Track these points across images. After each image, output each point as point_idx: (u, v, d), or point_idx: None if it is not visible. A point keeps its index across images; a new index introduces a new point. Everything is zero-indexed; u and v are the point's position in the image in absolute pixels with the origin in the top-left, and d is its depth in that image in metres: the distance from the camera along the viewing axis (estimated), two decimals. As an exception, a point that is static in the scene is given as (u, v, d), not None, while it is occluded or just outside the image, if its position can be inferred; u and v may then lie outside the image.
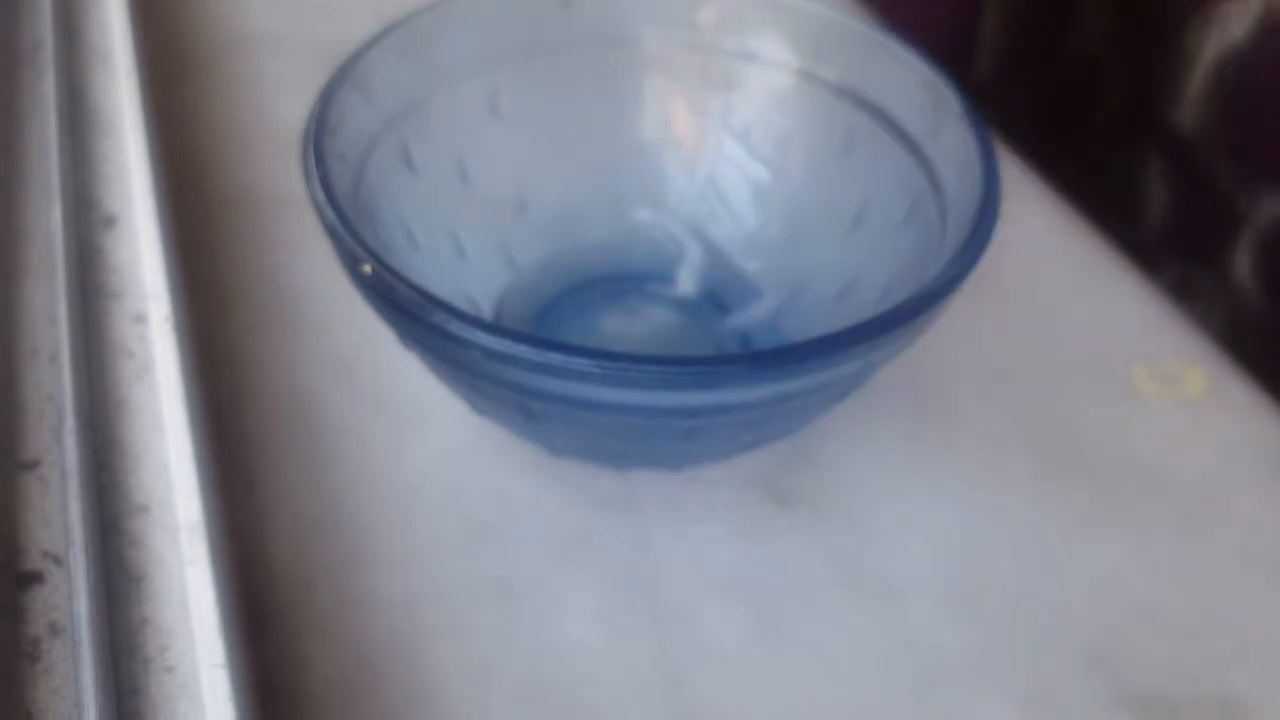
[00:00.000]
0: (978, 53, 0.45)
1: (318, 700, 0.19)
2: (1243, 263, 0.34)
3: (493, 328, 0.17)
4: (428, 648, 0.19)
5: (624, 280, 0.25)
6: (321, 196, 0.18)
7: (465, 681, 0.19)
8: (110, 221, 0.26)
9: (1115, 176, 0.38)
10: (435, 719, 0.18)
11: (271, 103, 0.32)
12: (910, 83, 0.22)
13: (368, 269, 0.17)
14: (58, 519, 0.20)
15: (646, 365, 0.16)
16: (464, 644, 0.19)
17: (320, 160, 0.19)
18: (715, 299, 0.25)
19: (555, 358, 0.16)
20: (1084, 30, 0.41)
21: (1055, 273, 0.28)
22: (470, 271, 0.23)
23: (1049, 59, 0.42)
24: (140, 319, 0.24)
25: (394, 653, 0.19)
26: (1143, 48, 0.38)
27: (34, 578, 0.19)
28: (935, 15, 0.44)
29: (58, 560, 0.19)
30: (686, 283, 0.25)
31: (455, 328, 0.16)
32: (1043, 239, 0.29)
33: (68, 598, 0.19)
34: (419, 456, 0.23)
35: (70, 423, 0.21)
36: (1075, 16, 0.42)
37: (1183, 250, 0.32)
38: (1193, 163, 0.35)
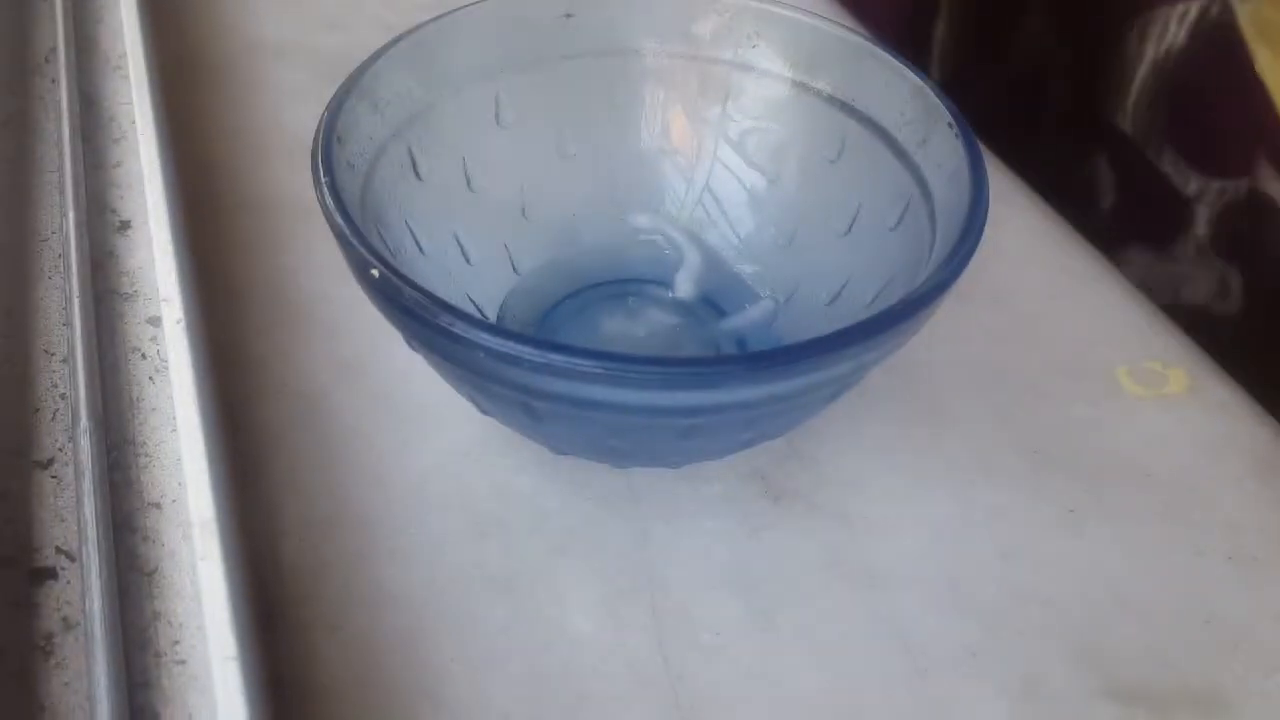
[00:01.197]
0: (929, 58, 0.46)
1: (327, 692, 0.19)
2: (1189, 249, 0.35)
3: (497, 330, 0.17)
4: (434, 640, 0.20)
5: (624, 284, 0.25)
6: (331, 203, 0.19)
7: (470, 674, 0.19)
8: (124, 226, 0.27)
9: (1066, 169, 0.39)
10: (441, 710, 0.19)
11: (282, 111, 0.32)
12: (901, 92, 0.22)
13: (376, 273, 0.18)
14: (71, 515, 0.20)
15: (646, 366, 0.16)
16: (469, 637, 0.20)
17: (329, 167, 0.19)
18: (712, 302, 0.25)
19: (558, 359, 0.16)
20: (1029, 32, 0.42)
21: (1042, 276, 0.28)
22: (474, 275, 0.24)
23: (997, 60, 0.43)
24: (154, 321, 0.24)
25: (401, 645, 0.20)
26: (1085, 52, 0.39)
27: (47, 573, 0.20)
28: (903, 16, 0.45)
29: (71, 556, 0.20)
30: (684, 286, 0.25)
31: (460, 330, 0.17)
32: (1029, 243, 0.29)
33: (80, 593, 0.19)
34: (425, 455, 0.23)
35: (84, 422, 0.21)
36: (1021, 18, 0.43)
37: (1136, 240, 0.33)
38: (1137, 160, 0.36)
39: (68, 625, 0.19)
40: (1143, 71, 0.36)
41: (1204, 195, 0.35)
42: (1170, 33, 0.34)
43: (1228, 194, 0.34)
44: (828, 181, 0.24)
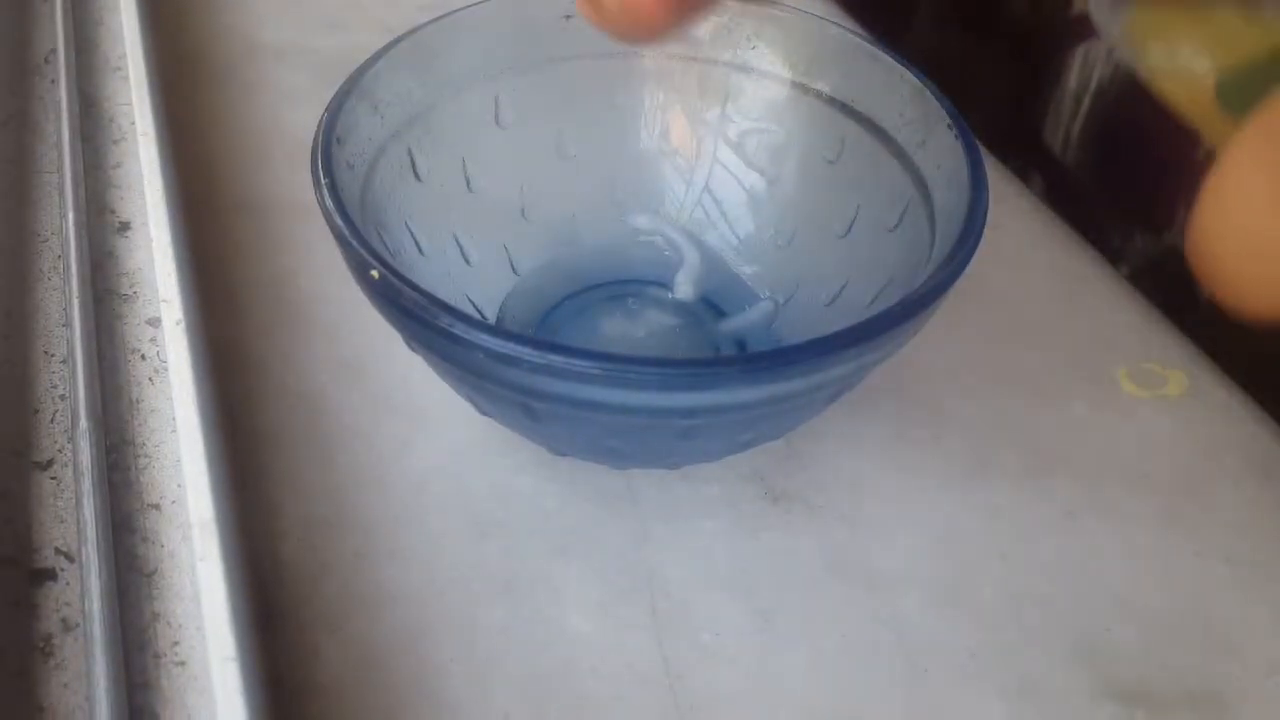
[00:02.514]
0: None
1: (326, 692, 0.19)
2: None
3: (496, 331, 0.17)
4: (433, 640, 0.20)
5: (623, 285, 0.26)
6: (330, 204, 0.19)
7: (470, 673, 0.19)
8: (124, 227, 0.27)
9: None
10: (441, 710, 0.19)
11: (282, 112, 0.32)
12: (900, 93, 0.22)
13: (375, 274, 0.18)
14: (70, 516, 0.20)
15: (645, 367, 0.16)
16: (469, 637, 0.20)
17: (329, 168, 0.19)
18: (712, 303, 0.25)
19: (557, 360, 0.16)
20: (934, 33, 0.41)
21: (1041, 277, 0.28)
22: (474, 276, 0.24)
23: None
24: (153, 322, 0.24)
25: (401, 646, 0.20)
26: (1019, 70, 0.37)
27: (47, 574, 0.20)
28: None
29: (70, 557, 0.20)
30: (684, 287, 0.25)
31: (460, 331, 0.17)
32: (1028, 245, 0.29)
33: (80, 594, 0.19)
34: (425, 456, 0.23)
35: (83, 423, 0.21)
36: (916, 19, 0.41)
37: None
38: (1067, 187, 0.35)
39: (67, 626, 0.19)
40: (1070, 105, 0.34)
41: (1126, 251, 0.34)
42: (1098, 69, 0.33)
43: (1148, 250, 0.33)
44: (827, 183, 0.24)
